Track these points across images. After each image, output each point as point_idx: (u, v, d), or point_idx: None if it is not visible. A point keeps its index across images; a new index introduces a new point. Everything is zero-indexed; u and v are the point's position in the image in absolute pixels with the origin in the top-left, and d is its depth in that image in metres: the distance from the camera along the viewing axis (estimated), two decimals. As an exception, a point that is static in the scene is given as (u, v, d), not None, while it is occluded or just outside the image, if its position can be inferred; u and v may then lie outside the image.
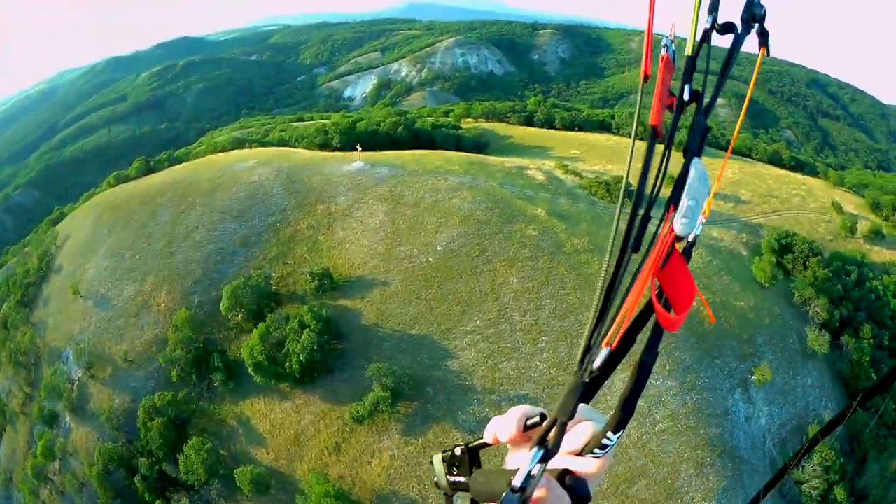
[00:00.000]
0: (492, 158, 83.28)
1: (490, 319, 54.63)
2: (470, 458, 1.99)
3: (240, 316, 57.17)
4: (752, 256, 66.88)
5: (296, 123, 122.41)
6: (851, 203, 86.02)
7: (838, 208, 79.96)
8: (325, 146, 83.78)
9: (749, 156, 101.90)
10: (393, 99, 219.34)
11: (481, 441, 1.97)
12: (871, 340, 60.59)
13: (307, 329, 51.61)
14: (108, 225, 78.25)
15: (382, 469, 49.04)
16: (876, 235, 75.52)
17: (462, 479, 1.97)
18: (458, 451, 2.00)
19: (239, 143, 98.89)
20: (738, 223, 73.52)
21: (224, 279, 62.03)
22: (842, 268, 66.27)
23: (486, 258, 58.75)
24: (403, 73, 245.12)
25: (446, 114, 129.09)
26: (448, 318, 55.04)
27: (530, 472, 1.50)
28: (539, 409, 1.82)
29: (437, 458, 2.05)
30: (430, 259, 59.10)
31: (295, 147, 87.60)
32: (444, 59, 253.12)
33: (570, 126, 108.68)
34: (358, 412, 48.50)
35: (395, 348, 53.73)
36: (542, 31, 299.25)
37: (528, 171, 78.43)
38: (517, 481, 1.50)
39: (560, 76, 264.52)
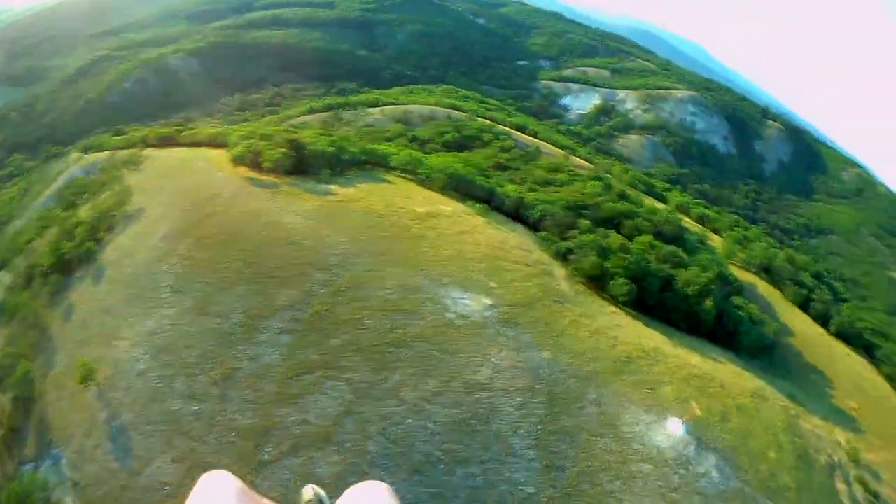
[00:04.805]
0: None
1: None
2: None
3: None
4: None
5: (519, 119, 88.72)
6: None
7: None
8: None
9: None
10: (610, 131, 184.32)
11: None
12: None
13: None
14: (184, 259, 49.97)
15: None
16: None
17: None
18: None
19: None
20: None
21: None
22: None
23: None
24: (628, 106, 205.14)
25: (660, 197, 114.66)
26: None
27: None
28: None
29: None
30: None
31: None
32: (675, 111, 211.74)
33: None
34: None
35: None
36: (770, 123, 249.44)
37: None
38: None
39: (774, 180, 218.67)
